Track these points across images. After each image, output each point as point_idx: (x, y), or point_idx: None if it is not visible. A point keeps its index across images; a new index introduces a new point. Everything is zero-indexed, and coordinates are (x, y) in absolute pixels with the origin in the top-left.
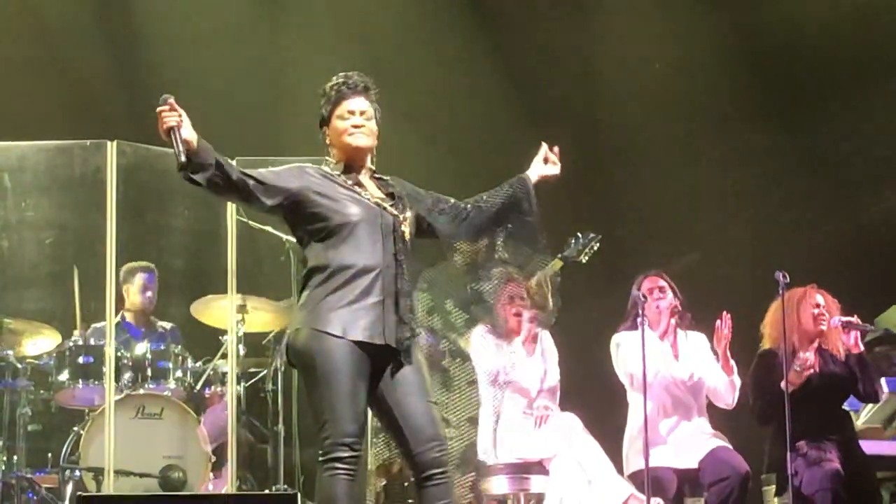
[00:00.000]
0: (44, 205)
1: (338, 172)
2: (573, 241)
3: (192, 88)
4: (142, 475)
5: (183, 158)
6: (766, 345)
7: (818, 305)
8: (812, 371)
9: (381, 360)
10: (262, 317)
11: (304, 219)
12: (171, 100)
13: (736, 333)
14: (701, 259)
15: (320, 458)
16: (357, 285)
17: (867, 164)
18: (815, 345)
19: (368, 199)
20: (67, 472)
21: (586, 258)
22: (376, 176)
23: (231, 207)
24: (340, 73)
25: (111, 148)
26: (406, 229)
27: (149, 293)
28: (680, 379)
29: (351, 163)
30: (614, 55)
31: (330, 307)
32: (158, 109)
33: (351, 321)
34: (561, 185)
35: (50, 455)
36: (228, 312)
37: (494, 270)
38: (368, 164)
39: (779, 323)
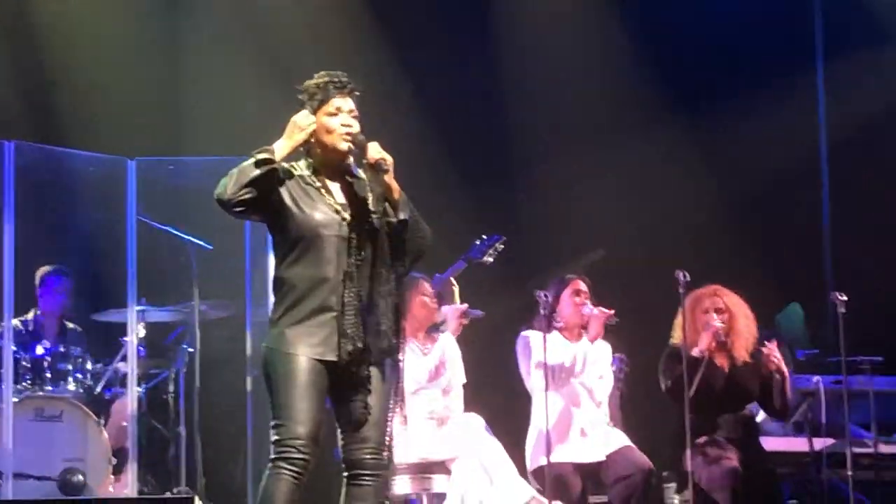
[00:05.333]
0: None
1: (309, 172)
2: (477, 242)
3: (90, 88)
4: (40, 478)
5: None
6: (674, 340)
7: (707, 311)
8: (717, 370)
9: (342, 370)
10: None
11: (278, 227)
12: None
13: (637, 331)
14: (605, 256)
15: (269, 460)
16: (313, 300)
17: (773, 165)
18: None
19: (331, 206)
20: None
21: (491, 259)
22: (354, 175)
23: (132, 208)
24: (323, 72)
25: (10, 149)
26: (356, 237)
27: (57, 296)
28: (587, 384)
29: (328, 164)
30: (520, 52)
31: (287, 323)
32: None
33: (305, 338)
34: (464, 184)
35: None
36: (128, 315)
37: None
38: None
39: (680, 323)
